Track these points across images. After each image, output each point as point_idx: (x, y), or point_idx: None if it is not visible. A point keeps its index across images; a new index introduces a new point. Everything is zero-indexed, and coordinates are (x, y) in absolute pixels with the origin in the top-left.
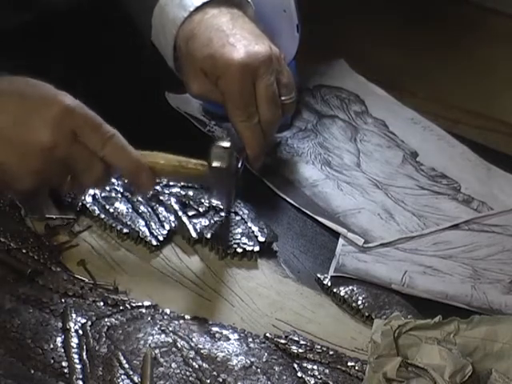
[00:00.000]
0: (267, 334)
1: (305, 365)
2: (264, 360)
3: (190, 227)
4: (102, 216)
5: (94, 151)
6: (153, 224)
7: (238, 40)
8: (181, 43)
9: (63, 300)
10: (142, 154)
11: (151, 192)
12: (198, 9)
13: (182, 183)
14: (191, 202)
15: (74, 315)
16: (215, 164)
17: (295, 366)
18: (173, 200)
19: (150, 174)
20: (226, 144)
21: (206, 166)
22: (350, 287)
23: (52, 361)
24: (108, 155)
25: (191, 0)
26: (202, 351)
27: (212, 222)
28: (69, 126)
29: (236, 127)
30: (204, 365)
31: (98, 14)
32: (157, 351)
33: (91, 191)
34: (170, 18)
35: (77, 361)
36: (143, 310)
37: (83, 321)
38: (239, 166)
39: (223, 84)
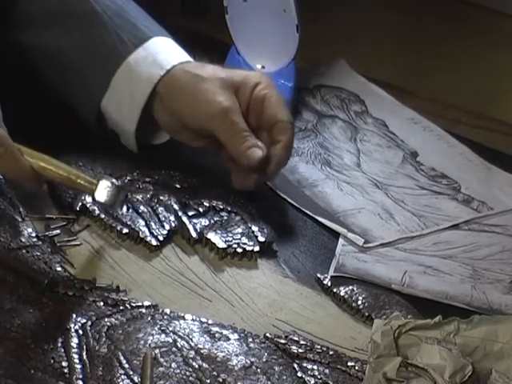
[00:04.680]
0: (267, 334)
1: (305, 365)
2: (264, 360)
3: (190, 227)
4: (102, 216)
5: None
6: (153, 224)
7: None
8: (157, 103)
9: (63, 300)
10: (32, 154)
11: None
12: (175, 66)
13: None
14: (191, 202)
15: (74, 315)
16: (98, 199)
17: (295, 365)
18: (173, 200)
19: (34, 183)
20: (115, 181)
21: (94, 184)
22: (350, 287)
23: (52, 361)
24: None
25: (167, 59)
26: (201, 351)
27: (212, 221)
28: None
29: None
30: (204, 365)
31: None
32: (157, 351)
33: None
34: (143, 78)
35: (77, 361)
36: (143, 310)
37: (83, 321)
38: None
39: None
